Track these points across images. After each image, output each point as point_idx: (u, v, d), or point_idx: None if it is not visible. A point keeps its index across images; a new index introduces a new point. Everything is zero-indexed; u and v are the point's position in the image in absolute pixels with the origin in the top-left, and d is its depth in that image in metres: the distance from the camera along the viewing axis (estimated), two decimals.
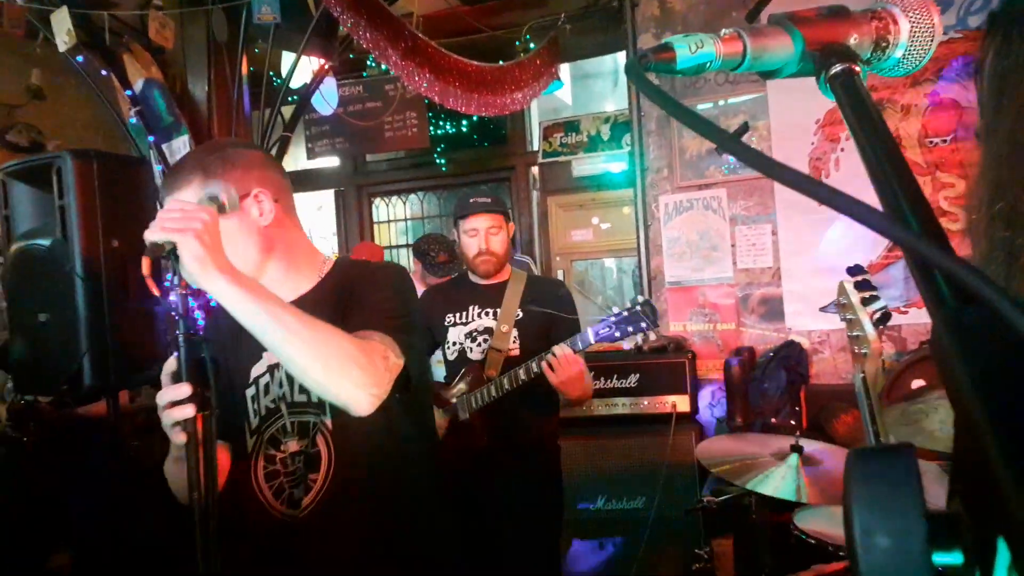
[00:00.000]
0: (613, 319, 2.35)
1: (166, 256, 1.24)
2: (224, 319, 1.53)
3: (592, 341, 2.34)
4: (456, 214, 2.69)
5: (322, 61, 3.85)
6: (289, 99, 3.92)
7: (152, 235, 1.24)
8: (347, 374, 1.28)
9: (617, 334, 2.33)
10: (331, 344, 1.29)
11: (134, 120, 3.59)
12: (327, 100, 4.25)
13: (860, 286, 1.52)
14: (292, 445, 1.52)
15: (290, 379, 1.53)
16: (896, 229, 0.34)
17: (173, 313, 1.24)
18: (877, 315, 1.49)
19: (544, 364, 2.34)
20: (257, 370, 1.56)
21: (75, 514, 3.48)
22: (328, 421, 1.50)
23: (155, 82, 3.62)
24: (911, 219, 0.38)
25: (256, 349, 1.54)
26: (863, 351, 1.49)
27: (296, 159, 5.70)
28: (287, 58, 3.93)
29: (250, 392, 1.55)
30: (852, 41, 0.57)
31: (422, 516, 1.63)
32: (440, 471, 1.79)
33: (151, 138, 3.53)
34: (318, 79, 3.87)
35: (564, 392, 2.38)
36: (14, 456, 3.58)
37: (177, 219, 1.25)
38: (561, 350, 2.32)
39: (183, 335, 1.24)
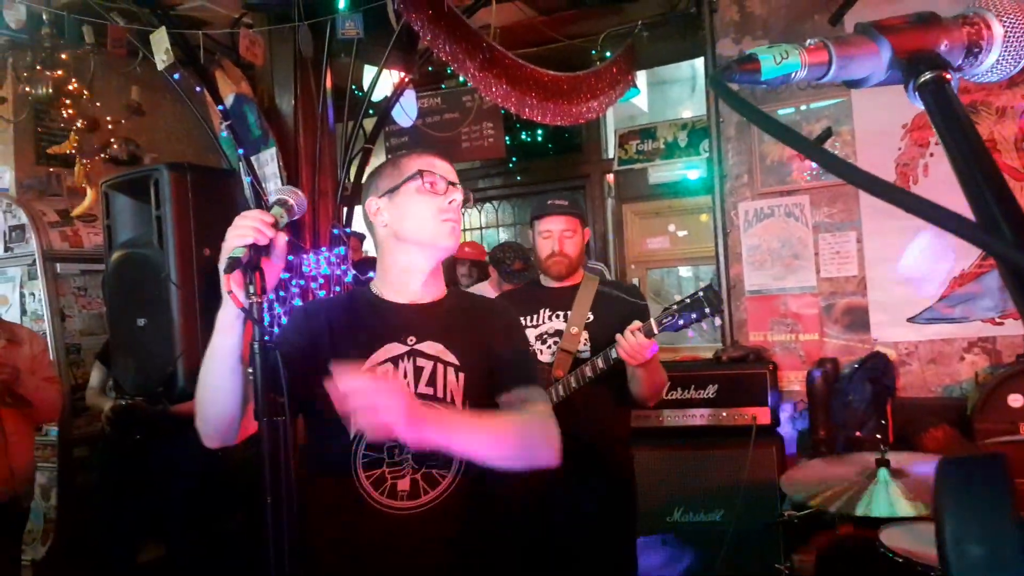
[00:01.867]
0: (675, 307, 2.33)
1: (244, 268, 1.30)
2: (350, 308, 1.66)
3: (656, 331, 2.31)
4: (532, 215, 2.71)
5: (402, 74, 3.94)
6: (370, 112, 4.02)
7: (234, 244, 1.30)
8: (539, 454, 1.54)
9: (681, 322, 2.31)
10: (519, 439, 1.52)
11: (225, 134, 3.75)
12: (407, 112, 4.34)
13: None
14: None
15: (417, 370, 1.59)
16: (988, 238, 0.34)
17: (250, 320, 1.30)
18: None
19: (619, 347, 2.33)
20: (378, 358, 1.58)
21: (166, 509, 3.63)
22: None
23: (245, 97, 3.77)
24: (1004, 228, 0.37)
25: (380, 336, 1.60)
26: None
27: None
28: (368, 72, 4.04)
29: None
30: (943, 48, 0.56)
31: (516, 522, 1.71)
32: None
33: (240, 151, 3.68)
34: (398, 92, 3.96)
35: (642, 376, 2.37)
36: (113, 452, 3.78)
37: (249, 227, 1.31)
38: (632, 333, 2.30)
39: (258, 343, 1.28)
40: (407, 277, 1.66)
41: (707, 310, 2.30)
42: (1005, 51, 0.58)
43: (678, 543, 3.40)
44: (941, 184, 3.39)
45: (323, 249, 3.46)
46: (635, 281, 6.07)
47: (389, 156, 5.44)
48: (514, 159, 5.83)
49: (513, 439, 1.51)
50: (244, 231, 1.31)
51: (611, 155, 5.93)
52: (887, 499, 2.01)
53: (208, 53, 3.72)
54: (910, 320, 3.57)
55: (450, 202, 1.62)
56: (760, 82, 0.54)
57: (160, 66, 3.46)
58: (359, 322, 1.63)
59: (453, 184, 1.66)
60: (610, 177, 6.04)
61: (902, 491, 2.02)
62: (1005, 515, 0.28)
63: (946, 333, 3.49)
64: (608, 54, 4.31)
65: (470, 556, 1.59)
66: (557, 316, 2.62)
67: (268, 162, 3.65)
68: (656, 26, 4.35)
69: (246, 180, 3.67)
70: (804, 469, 2.57)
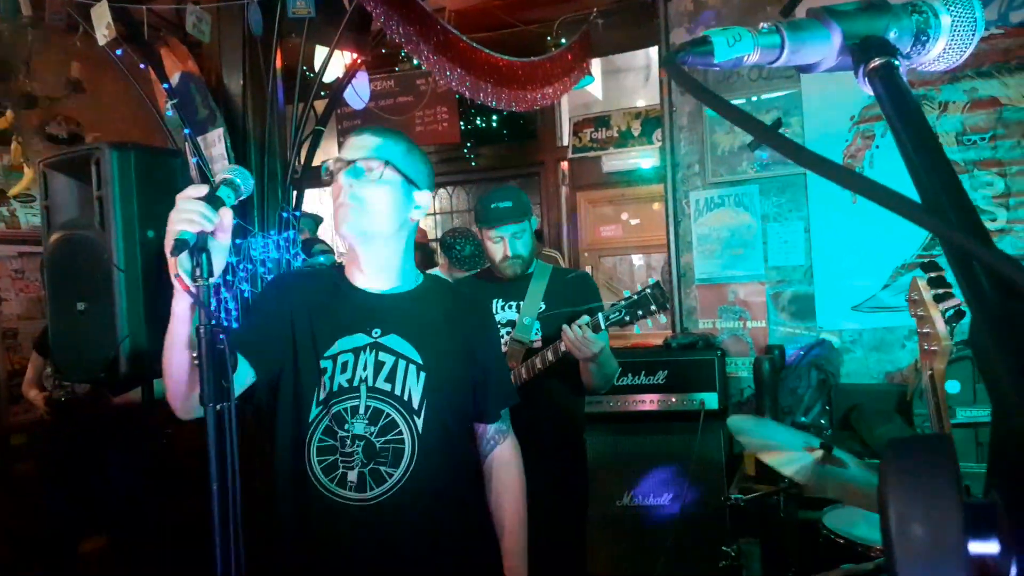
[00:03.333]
0: (623, 303, 2.36)
1: (192, 250, 1.26)
2: (321, 289, 1.65)
3: (603, 325, 2.34)
4: (477, 219, 2.68)
5: (355, 55, 3.88)
6: (322, 93, 3.95)
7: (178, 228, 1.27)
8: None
9: (627, 318, 2.34)
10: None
11: (171, 113, 3.65)
12: (359, 94, 4.27)
13: (933, 283, 1.51)
14: (357, 428, 1.54)
15: (378, 364, 1.57)
16: (935, 220, 0.34)
17: (196, 304, 1.28)
18: (949, 312, 1.47)
19: (564, 340, 2.35)
20: (340, 347, 1.58)
21: (108, 500, 3.55)
22: (419, 423, 1.56)
23: (191, 76, 3.67)
24: (950, 212, 0.38)
25: (345, 326, 1.60)
26: (933, 348, 1.48)
27: (328, 153, 5.72)
28: (320, 53, 3.96)
29: (324, 365, 1.57)
30: (892, 35, 0.56)
31: (474, 511, 1.73)
32: None
33: (187, 131, 3.58)
34: (351, 73, 3.90)
35: (592, 368, 2.39)
36: (51, 444, 3.67)
37: (195, 212, 1.28)
38: (578, 326, 2.33)
39: (204, 327, 1.25)
40: (363, 265, 1.64)
41: (653, 307, 2.34)
42: (951, 40, 0.59)
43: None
44: (887, 176, 3.46)
45: (272, 232, 3.40)
46: (588, 269, 6.11)
47: (340, 139, 5.37)
48: (469, 143, 5.79)
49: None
50: (189, 216, 1.27)
51: (565, 143, 5.94)
52: (822, 476, 2.05)
53: (153, 29, 3.60)
54: (855, 308, 3.66)
55: (340, 187, 1.56)
56: (713, 64, 0.54)
57: (101, 41, 3.34)
58: (327, 307, 1.62)
59: (343, 161, 1.58)
60: (564, 165, 6.05)
61: (836, 477, 2.07)
62: (949, 497, 0.28)
63: (889, 321, 3.58)
64: (563, 41, 4.31)
65: (412, 552, 1.57)
66: (510, 306, 2.63)
67: (215, 143, 3.56)
68: (611, 14, 4.36)
69: (192, 161, 3.58)
70: (752, 421, 2.60)
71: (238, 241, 3.38)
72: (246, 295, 3.30)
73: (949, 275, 1.50)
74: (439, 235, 5.94)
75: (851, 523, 2.29)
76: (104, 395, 3.41)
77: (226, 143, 3.50)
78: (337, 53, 3.81)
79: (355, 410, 1.54)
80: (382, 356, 1.58)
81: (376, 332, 1.59)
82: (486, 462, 1.79)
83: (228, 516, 1.22)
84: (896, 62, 0.53)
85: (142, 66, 3.63)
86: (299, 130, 3.61)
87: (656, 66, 5.12)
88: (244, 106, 3.61)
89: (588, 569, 2.74)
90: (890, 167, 3.49)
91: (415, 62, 4.16)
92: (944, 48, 0.59)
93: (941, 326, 1.47)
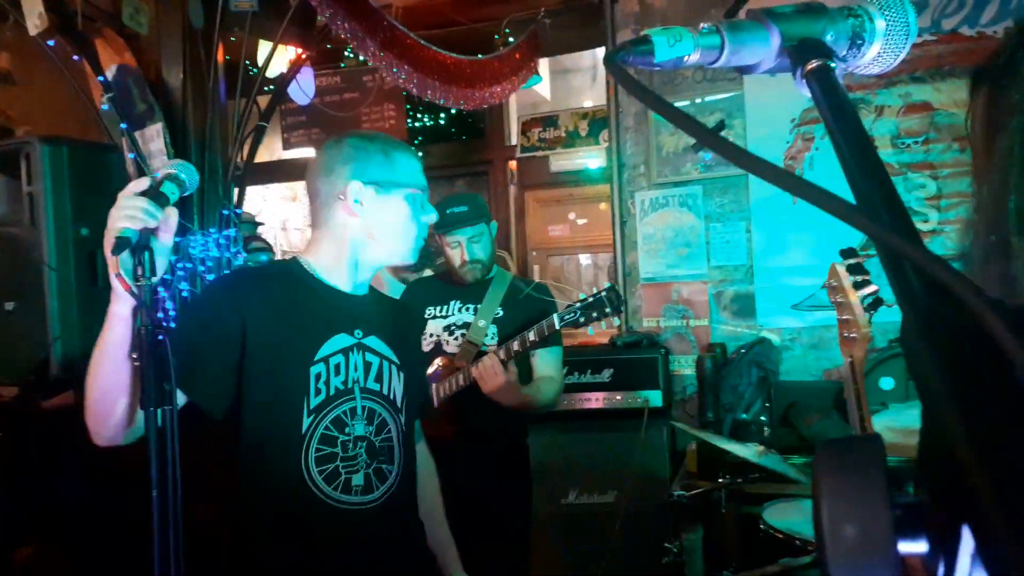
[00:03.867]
0: (578, 305, 2.38)
1: (134, 248, 1.22)
2: (287, 287, 1.57)
3: (557, 327, 2.37)
4: (435, 226, 2.66)
5: (299, 50, 3.82)
6: (265, 88, 3.88)
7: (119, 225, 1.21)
8: None
9: (582, 319, 2.37)
10: None
11: (106, 107, 3.53)
12: (304, 90, 4.21)
13: (852, 269, 1.52)
14: (359, 429, 1.53)
15: (367, 365, 1.56)
16: (868, 221, 0.34)
17: (138, 305, 1.22)
18: (868, 300, 1.49)
19: (472, 371, 2.37)
20: (329, 348, 1.53)
21: (40, 508, 3.42)
22: (403, 420, 1.60)
23: (128, 69, 3.56)
24: (883, 213, 0.38)
25: (329, 326, 1.55)
26: (852, 335, 1.50)
27: (272, 149, 5.65)
28: (264, 47, 3.89)
29: (316, 369, 1.51)
30: (828, 38, 0.57)
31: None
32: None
33: (124, 125, 3.48)
34: (295, 69, 3.84)
35: (499, 399, 2.39)
36: None
37: (138, 208, 1.23)
38: (487, 360, 2.34)
39: (146, 328, 1.21)
40: (358, 269, 1.61)
41: (608, 310, 2.37)
42: (886, 44, 0.60)
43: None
44: (826, 177, 3.56)
45: (211, 231, 3.32)
46: (536, 268, 6.14)
47: (284, 135, 5.28)
48: (417, 141, 5.76)
49: None
50: (132, 212, 1.22)
51: (514, 142, 5.94)
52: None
53: (88, 20, 3.49)
54: (794, 307, 3.74)
55: (426, 220, 1.65)
56: (653, 64, 0.54)
57: (32, 31, 3.22)
58: (304, 307, 1.55)
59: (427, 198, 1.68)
60: (512, 164, 6.06)
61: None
62: (878, 497, 0.29)
63: (827, 319, 3.67)
64: (511, 40, 4.31)
65: (414, 548, 1.65)
66: (467, 308, 2.62)
67: (154, 138, 3.47)
68: (559, 14, 4.37)
69: (129, 157, 3.47)
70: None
71: (177, 239, 3.30)
72: (184, 295, 3.22)
73: (868, 263, 1.52)
74: None
75: (790, 518, 2.34)
76: (34, 398, 3.28)
77: (165, 138, 3.41)
78: (281, 48, 3.75)
79: (353, 412, 1.53)
80: (369, 357, 1.58)
81: (358, 333, 1.57)
82: None
83: (168, 524, 1.18)
84: (833, 64, 0.54)
85: (76, 58, 3.51)
86: (241, 126, 3.54)
87: (603, 67, 5.16)
88: (184, 101, 3.52)
89: (532, 568, 2.75)
90: (829, 169, 3.58)
91: (362, 58, 4.11)
92: (879, 52, 0.60)
93: (860, 313, 1.49)
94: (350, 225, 1.57)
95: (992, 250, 0.55)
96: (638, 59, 0.53)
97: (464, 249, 2.58)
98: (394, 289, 3.28)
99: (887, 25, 0.60)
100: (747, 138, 3.82)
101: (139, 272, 1.22)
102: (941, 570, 0.29)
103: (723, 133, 3.67)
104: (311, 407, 1.49)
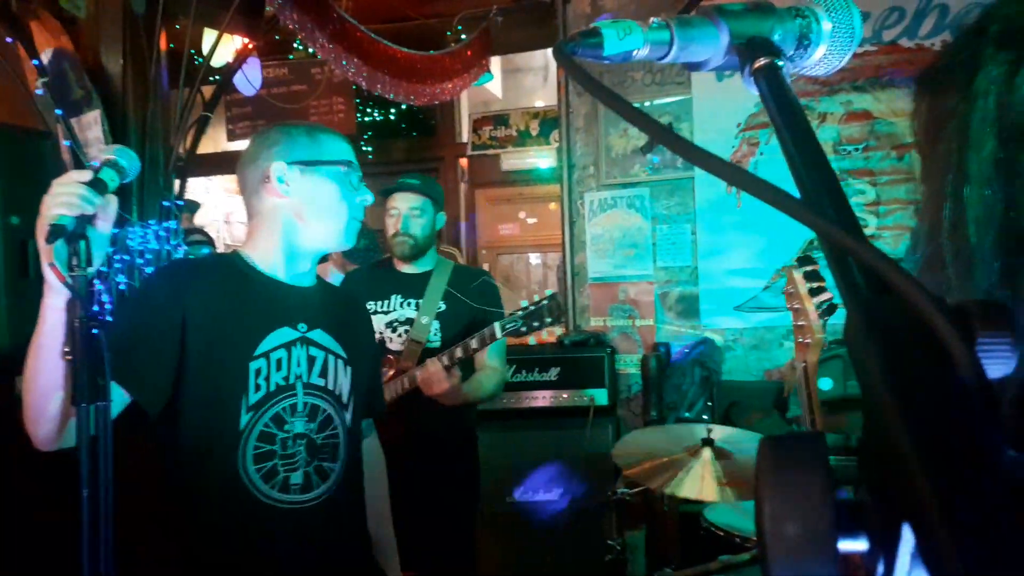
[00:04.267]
0: (520, 313, 2.38)
1: (70, 237, 1.17)
2: (226, 280, 1.51)
3: (499, 336, 2.36)
4: (381, 191, 2.64)
5: (246, 40, 3.73)
6: (210, 78, 3.78)
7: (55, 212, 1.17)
8: None
9: (523, 328, 2.36)
10: None
11: (41, 92, 3.40)
12: (250, 81, 4.13)
13: (809, 276, 1.56)
14: (298, 426, 1.49)
15: (311, 359, 1.52)
16: (814, 216, 0.34)
17: (72, 296, 1.18)
18: (824, 306, 1.52)
19: (416, 377, 2.36)
20: (270, 343, 1.48)
21: None
22: (348, 417, 1.57)
23: (65, 53, 3.43)
24: (829, 209, 0.38)
25: (270, 320, 1.50)
26: (806, 340, 1.53)
27: (216, 141, 5.53)
28: (209, 36, 3.79)
29: (255, 365, 1.46)
30: (776, 37, 0.57)
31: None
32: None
33: (59, 111, 3.35)
34: (241, 59, 3.75)
35: (447, 404, 2.39)
36: None
37: (75, 195, 1.18)
38: (431, 365, 2.33)
39: (80, 320, 1.16)
40: (296, 257, 1.56)
41: (548, 319, 2.37)
42: (831, 46, 0.60)
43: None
44: (770, 181, 3.62)
45: (151, 222, 3.22)
46: (486, 266, 6.12)
47: (229, 126, 5.17)
48: (367, 136, 5.69)
49: None
50: (68, 199, 1.17)
51: (465, 139, 5.93)
52: (708, 482, 2.12)
53: (23, 1, 3.35)
54: (737, 308, 3.81)
55: (360, 201, 1.60)
56: (602, 57, 0.53)
57: None
58: (244, 300, 1.50)
59: (362, 181, 1.63)
60: (463, 161, 6.04)
61: (723, 475, 2.14)
62: (820, 493, 0.28)
63: (769, 321, 3.75)
64: (463, 37, 4.29)
65: (354, 547, 1.60)
66: (408, 304, 2.58)
67: (91, 126, 3.35)
68: (511, 12, 4.37)
69: (65, 144, 3.35)
70: (635, 438, 2.68)
71: (115, 230, 3.19)
72: (122, 288, 3.12)
73: (824, 269, 1.56)
74: None
75: (730, 516, 2.38)
76: None
77: (103, 126, 3.29)
78: (227, 37, 3.66)
79: (294, 408, 1.49)
80: (313, 351, 1.53)
81: (302, 326, 1.53)
82: None
83: (99, 524, 1.14)
84: (780, 63, 0.54)
85: (9, 40, 3.37)
86: (184, 115, 3.45)
87: (555, 67, 5.18)
88: (124, 88, 3.40)
89: (478, 565, 2.74)
90: (774, 174, 3.62)
91: (311, 50, 4.05)
92: (825, 53, 0.61)
93: (815, 319, 1.53)
94: (279, 208, 1.53)
95: (932, 255, 0.56)
96: (587, 51, 0.52)
97: (400, 219, 2.55)
98: (338, 282, 3.23)
99: (833, 27, 0.60)
100: (694, 141, 3.87)
101: (74, 262, 1.17)
102: (881, 568, 0.29)
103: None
104: (250, 404, 1.45)
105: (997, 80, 0.56)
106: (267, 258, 1.54)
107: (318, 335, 1.55)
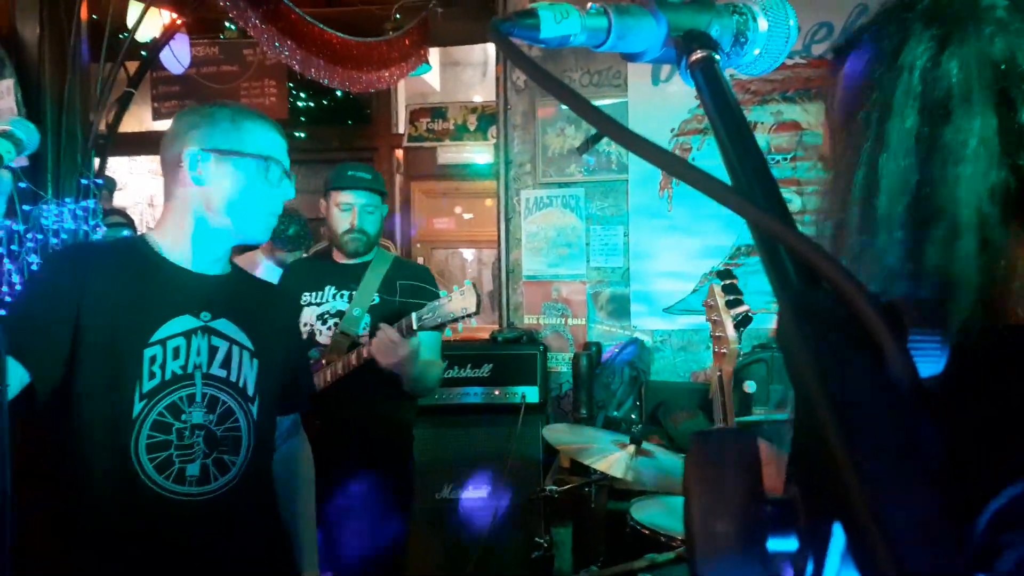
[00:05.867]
0: (436, 303, 2.27)
1: None
2: (129, 264, 1.45)
3: (415, 326, 2.25)
4: (330, 184, 2.53)
5: (174, 15, 3.60)
6: (140, 53, 3.63)
7: None
8: None
9: (439, 320, 2.27)
10: None
11: None
12: (178, 58, 3.98)
13: (726, 289, 1.61)
14: (196, 417, 1.43)
15: (212, 349, 1.46)
16: (746, 204, 0.33)
17: None
18: (738, 318, 1.58)
19: (371, 345, 2.26)
20: (168, 331, 1.42)
21: None
22: (254, 410, 1.51)
23: None
24: (760, 199, 0.38)
25: (170, 307, 1.44)
26: (723, 351, 1.58)
27: (141, 119, 5.32)
28: (135, 9, 3.64)
29: (150, 352, 1.40)
30: (714, 32, 0.57)
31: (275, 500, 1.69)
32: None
33: None
34: (168, 35, 3.62)
35: (403, 374, 2.31)
36: None
37: None
38: (385, 331, 2.25)
39: None
40: (205, 245, 1.50)
41: (464, 311, 2.25)
42: (767, 45, 0.60)
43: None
44: None
45: (67, 200, 3.07)
46: (420, 260, 6.07)
47: (155, 104, 4.99)
48: (301, 120, 5.57)
49: None
50: None
51: (401, 130, 5.86)
52: (631, 469, 2.15)
53: None
54: (666, 310, 3.87)
55: (279, 197, 1.55)
56: (538, 40, 0.52)
57: None
58: (144, 285, 1.44)
59: (287, 175, 1.57)
60: (399, 153, 5.97)
61: (644, 469, 2.17)
62: (751, 491, 0.27)
63: (696, 323, 3.82)
64: (402, 26, 4.23)
65: (254, 544, 1.53)
66: (341, 295, 2.50)
67: (4, 95, 3.18)
68: (451, 3, 4.33)
69: None
70: (566, 427, 2.69)
71: (27, 208, 3.04)
72: (34, 268, 2.97)
73: (741, 283, 1.63)
74: None
75: (656, 515, 2.41)
76: None
77: (17, 96, 3.13)
78: (154, 12, 3.52)
79: (191, 398, 1.43)
80: (215, 341, 1.48)
81: (205, 316, 1.48)
82: (278, 452, 1.73)
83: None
84: (717, 56, 0.53)
85: None
86: (105, 90, 3.30)
87: (494, 63, 5.16)
88: (40, 58, 3.24)
89: (409, 561, 2.71)
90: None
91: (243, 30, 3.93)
92: (760, 52, 0.61)
93: (731, 331, 1.59)
94: (190, 196, 1.48)
95: (837, 225, 0.57)
96: (523, 32, 0.51)
97: (356, 214, 2.46)
98: (269, 273, 3.15)
99: (769, 26, 0.60)
100: None
101: None
102: (810, 568, 0.28)
103: (606, 139, 3.73)
104: (143, 391, 1.40)
105: (923, 56, 0.57)
106: (174, 245, 1.50)
107: (222, 324, 1.50)
